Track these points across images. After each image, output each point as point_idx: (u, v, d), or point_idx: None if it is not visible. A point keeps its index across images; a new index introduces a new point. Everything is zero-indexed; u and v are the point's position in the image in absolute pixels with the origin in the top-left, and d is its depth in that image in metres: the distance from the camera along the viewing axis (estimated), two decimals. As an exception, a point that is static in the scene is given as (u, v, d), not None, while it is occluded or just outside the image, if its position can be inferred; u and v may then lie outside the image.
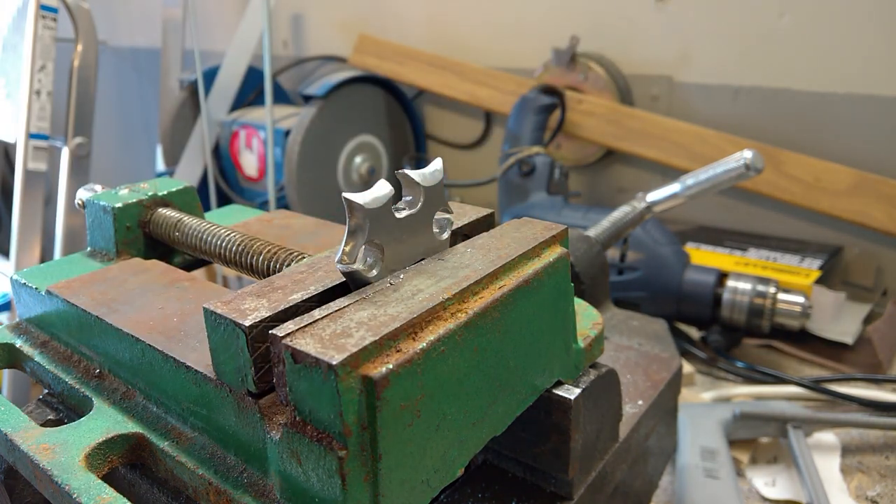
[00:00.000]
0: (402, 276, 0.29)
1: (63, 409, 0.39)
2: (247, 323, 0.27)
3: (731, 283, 0.74)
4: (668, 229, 0.81)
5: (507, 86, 1.14)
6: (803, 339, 0.77)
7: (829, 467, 0.58)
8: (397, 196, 0.29)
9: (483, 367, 0.28)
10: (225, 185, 1.28)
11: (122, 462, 0.33)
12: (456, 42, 1.24)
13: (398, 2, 1.30)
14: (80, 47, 0.77)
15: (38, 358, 0.39)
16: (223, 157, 1.29)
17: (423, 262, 0.30)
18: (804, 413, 0.61)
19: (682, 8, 0.99)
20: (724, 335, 0.75)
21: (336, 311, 0.26)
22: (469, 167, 1.29)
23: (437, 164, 0.31)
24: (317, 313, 0.26)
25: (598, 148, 1.08)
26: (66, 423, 0.34)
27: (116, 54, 1.80)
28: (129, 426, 0.33)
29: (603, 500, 0.37)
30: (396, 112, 1.26)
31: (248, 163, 1.24)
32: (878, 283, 0.90)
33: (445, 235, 0.32)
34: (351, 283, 0.29)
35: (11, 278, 0.41)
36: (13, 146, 0.76)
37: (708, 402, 0.66)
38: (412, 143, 1.30)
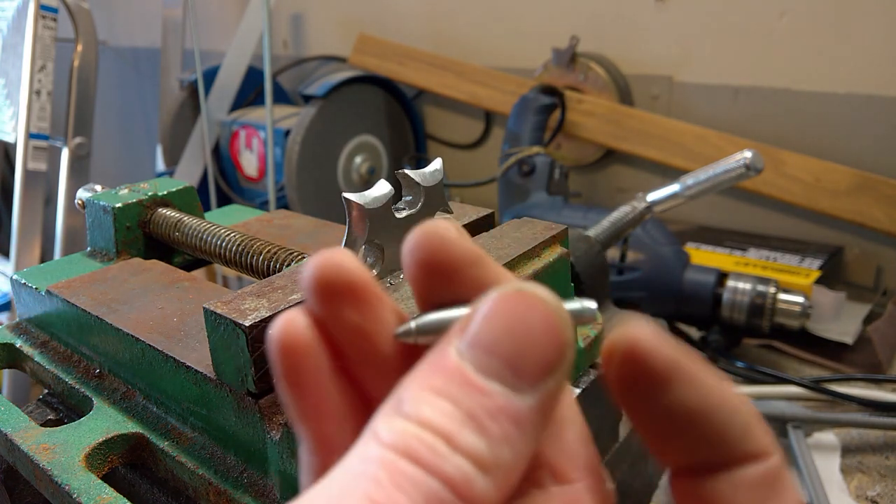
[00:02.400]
0: (401, 277, 0.29)
1: (63, 409, 0.39)
2: (247, 323, 0.27)
3: (731, 283, 0.73)
4: (669, 229, 0.81)
5: (507, 86, 1.14)
6: (803, 340, 0.77)
7: (829, 467, 0.58)
8: (397, 196, 0.29)
9: (483, 367, 0.28)
10: (225, 185, 1.28)
11: (122, 462, 0.33)
12: (456, 42, 1.24)
13: (398, 1, 1.30)
14: (80, 47, 0.77)
15: (38, 358, 0.39)
16: (223, 157, 1.28)
17: (423, 262, 0.30)
18: (804, 413, 0.60)
19: (681, 8, 0.99)
20: (724, 335, 0.75)
21: (336, 311, 0.26)
22: (469, 167, 1.28)
23: (436, 164, 0.31)
24: (317, 313, 0.26)
25: (597, 148, 1.08)
26: (66, 423, 0.34)
27: (116, 54, 1.80)
28: (129, 426, 0.33)
29: (603, 500, 0.37)
30: (396, 112, 1.26)
31: (248, 163, 1.24)
32: (878, 283, 0.90)
33: (445, 235, 0.32)
34: (351, 283, 0.29)
35: (11, 278, 0.41)
36: (13, 146, 0.76)
37: (708, 402, 0.66)
38: (412, 143, 1.30)
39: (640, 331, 0.14)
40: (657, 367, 0.14)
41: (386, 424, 0.13)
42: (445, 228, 0.15)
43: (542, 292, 0.14)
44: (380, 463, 0.12)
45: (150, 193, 0.43)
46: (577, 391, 0.33)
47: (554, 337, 0.13)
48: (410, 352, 0.15)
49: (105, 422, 0.33)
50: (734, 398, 0.15)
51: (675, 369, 0.14)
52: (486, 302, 0.14)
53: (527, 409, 0.13)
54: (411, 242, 0.15)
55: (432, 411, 0.13)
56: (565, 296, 0.34)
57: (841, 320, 0.79)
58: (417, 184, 0.30)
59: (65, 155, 0.75)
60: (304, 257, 0.35)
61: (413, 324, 0.15)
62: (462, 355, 0.13)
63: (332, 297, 0.15)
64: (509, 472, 0.13)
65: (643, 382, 0.14)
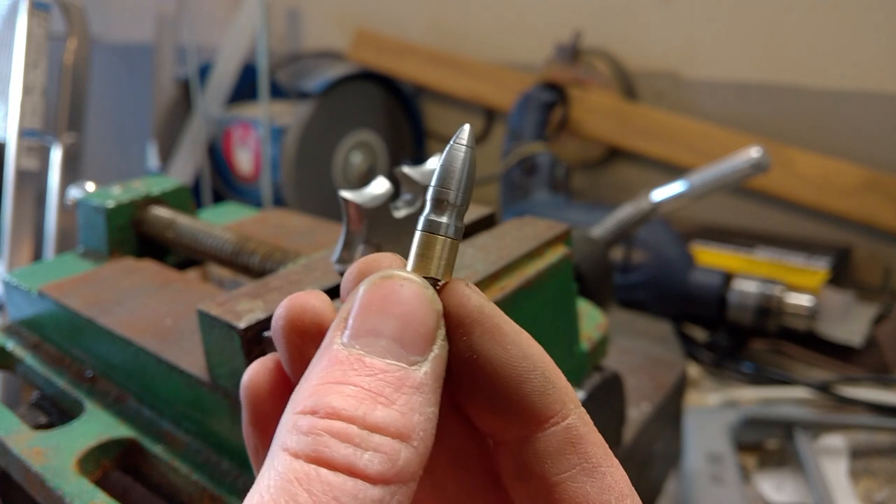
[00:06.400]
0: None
1: (55, 412, 0.38)
2: (242, 325, 0.26)
3: (737, 284, 0.73)
4: (674, 229, 0.80)
5: (509, 82, 1.13)
6: (811, 342, 0.76)
7: (836, 471, 0.57)
8: (396, 194, 0.29)
9: (485, 372, 0.27)
10: (220, 182, 1.27)
11: (114, 466, 0.32)
12: (456, 37, 1.23)
13: (398, -3, 1.29)
14: (73, 44, 0.76)
15: (29, 360, 0.38)
16: (218, 155, 1.27)
17: (422, 262, 0.29)
18: (811, 416, 0.60)
19: (687, 3, 0.98)
20: (731, 337, 0.74)
21: (332, 313, 0.26)
22: (470, 165, 1.27)
23: (436, 161, 0.30)
24: (312, 316, 0.25)
25: (602, 146, 1.07)
26: (58, 427, 0.33)
27: (109, 51, 1.79)
28: (122, 430, 0.32)
29: (607, 506, 0.36)
30: (395, 109, 1.25)
31: (244, 160, 1.23)
32: (886, 284, 0.89)
33: (446, 235, 0.31)
34: (348, 285, 0.28)
35: (3, 279, 0.40)
36: (5, 144, 0.75)
37: (714, 406, 0.65)
38: (411, 140, 1.29)
39: (459, 284, 0.15)
40: (463, 313, 0.15)
41: (291, 431, 0.13)
42: (309, 298, 0.16)
43: (403, 273, 0.15)
44: (292, 478, 0.12)
45: (142, 193, 0.42)
46: (583, 394, 0.33)
47: (427, 307, 0.14)
48: None
49: (97, 426, 0.33)
50: (534, 355, 0.15)
51: (478, 318, 0.15)
52: (357, 295, 0.15)
53: (423, 376, 0.14)
54: (279, 312, 0.16)
55: (340, 398, 0.13)
56: (569, 297, 0.33)
57: (849, 321, 0.78)
58: (416, 182, 0.29)
59: (57, 153, 0.74)
60: (300, 257, 0.34)
61: (445, 217, 0.15)
62: (350, 346, 0.14)
63: (299, 338, 0.15)
64: (425, 437, 0.13)
65: (450, 328, 0.15)
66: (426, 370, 0.14)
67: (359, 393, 0.13)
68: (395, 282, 0.14)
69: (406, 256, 0.16)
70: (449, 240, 0.15)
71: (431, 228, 0.15)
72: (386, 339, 0.14)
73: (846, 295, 0.79)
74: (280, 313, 0.15)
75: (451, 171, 0.15)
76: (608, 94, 1.03)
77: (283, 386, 0.16)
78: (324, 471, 0.12)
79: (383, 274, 0.15)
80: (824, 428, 0.60)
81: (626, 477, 0.16)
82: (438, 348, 0.14)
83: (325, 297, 0.16)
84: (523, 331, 0.15)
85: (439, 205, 0.15)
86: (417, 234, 0.15)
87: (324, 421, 0.13)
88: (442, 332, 0.14)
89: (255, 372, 0.16)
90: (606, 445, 0.16)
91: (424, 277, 0.15)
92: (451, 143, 0.16)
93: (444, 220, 0.15)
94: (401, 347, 0.14)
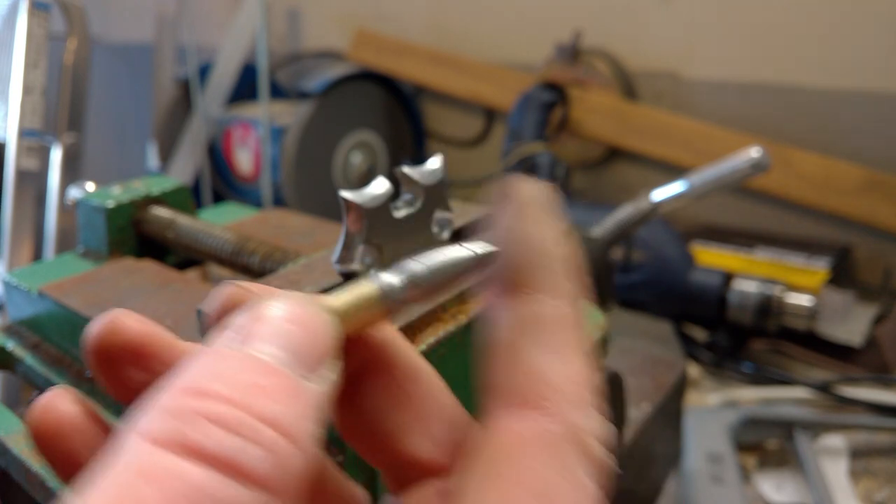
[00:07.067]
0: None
1: (55, 412, 0.38)
2: (240, 326, 0.26)
3: (737, 284, 0.73)
4: (674, 229, 0.80)
5: (509, 82, 1.13)
6: (811, 342, 0.76)
7: (836, 471, 0.57)
8: (396, 194, 0.29)
9: (485, 372, 0.27)
10: (220, 182, 1.27)
11: (113, 468, 0.32)
12: (456, 36, 1.23)
13: (398, -3, 1.29)
14: (73, 44, 0.76)
15: (29, 360, 0.38)
16: (218, 155, 1.27)
17: (422, 262, 0.29)
18: (811, 416, 0.60)
19: (687, 3, 0.98)
20: (731, 337, 0.74)
21: (332, 313, 0.26)
22: (470, 165, 1.28)
23: (436, 162, 0.30)
24: (312, 316, 0.25)
25: (602, 146, 1.07)
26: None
27: (109, 51, 1.79)
28: (121, 431, 0.32)
29: (607, 506, 0.36)
30: (395, 109, 1.25)
31: (243, 160, 1.23)
32: (886, 284, 0.89)
33: (446, 235, 0.31)
34: (348, 285, 0.28)
35: (3, 279, 0.40)
36: (5, 145, 0.74)
37: (714, 406, 0.65)
38: (411, 141, 1.29)
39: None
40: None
41: (153, 410, 0.11)
42: (118, 316, 0.14)
43: (302, 295, 0.14)
44: (144, 472, 0.10)
45: (142, 193, 0.42)
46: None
47: (322, 329, 0.13)
48: None
49: (96, 426, 0.33)
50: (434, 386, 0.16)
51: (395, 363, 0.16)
52: (247, 308, 0.13)
53: (313, 390, 0.12)
54: (88, 337, 0.14)
55: (224, 384, 0.11)
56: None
57: (849, 321, 0.78)
58: (416, 182, 0.29)
59: (57, 153, 0.74)
60: (299, 257, 0.34)
61: (397, 279, 0.15)
62: (237, 347, 0.12)
63: (112, 362, 0.14)
64: (310, 455, 0.12)
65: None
66: (316, 387, 0.13)
67: (247, 383, 0.11)
68: (290, 302, 0.13)
69: (406, 257, 0.16)
70: (382, 300, 0.15)
71: (376, 281, 0.15)
72: (276, 348, 0.12)
73: (846, 295, 0.79)
74: (93, 332, 0.14)
75: (441, 261, 0.16)
76: (608, 94, 1.03)
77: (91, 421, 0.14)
78: (189, 466, 0.10)
79: (281, 295, 0.14)
80: (824, 428, 0.60)
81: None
82: (330, 373, 0.13)
83: (132, 314, 0.14)
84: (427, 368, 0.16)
85: (403, 269, 0.15)
86: (360, 280, 0.15)
87: (202, 402, 0.10)
88: (336, 362, 0.13)
89: (46, 410, 0.14)
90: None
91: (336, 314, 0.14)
92: (461, 244, 0.16)
93: (394, 281, 0.15)
94: (293, 359, 0.13)
